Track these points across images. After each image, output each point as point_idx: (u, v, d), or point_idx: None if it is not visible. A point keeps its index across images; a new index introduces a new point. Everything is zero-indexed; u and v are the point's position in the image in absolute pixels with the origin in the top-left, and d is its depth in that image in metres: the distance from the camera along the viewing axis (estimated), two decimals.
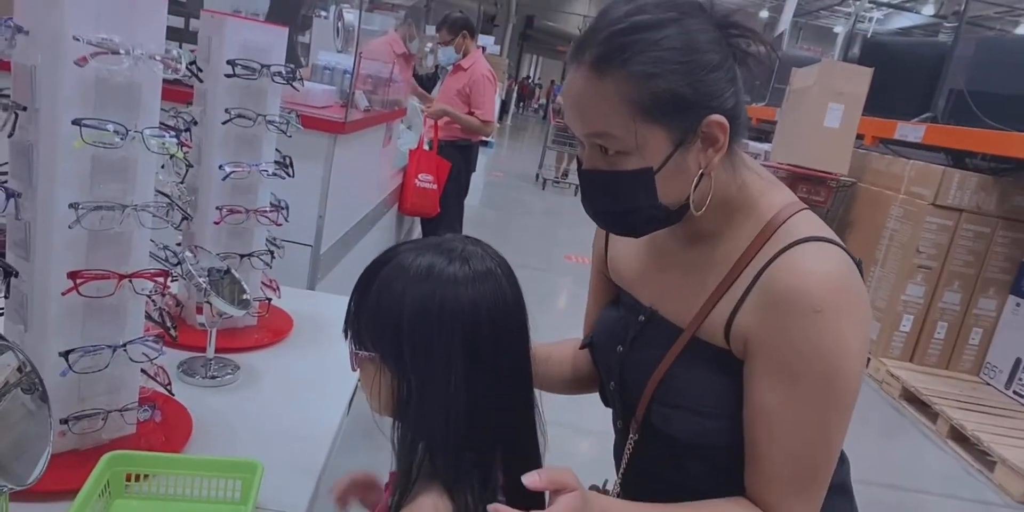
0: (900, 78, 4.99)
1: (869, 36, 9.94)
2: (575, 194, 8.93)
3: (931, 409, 3.71)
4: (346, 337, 0.84)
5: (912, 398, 3.90)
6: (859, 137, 4.85)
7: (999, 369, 4.09)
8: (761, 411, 0.81)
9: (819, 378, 0.79)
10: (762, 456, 0.82)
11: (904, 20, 18.15)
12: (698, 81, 0.78)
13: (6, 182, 0.86)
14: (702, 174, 0.82)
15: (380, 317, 0.78)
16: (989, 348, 4.21)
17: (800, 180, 4.70)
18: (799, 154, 4.64)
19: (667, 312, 0.92)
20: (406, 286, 0.77)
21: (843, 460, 0.94)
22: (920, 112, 4.78)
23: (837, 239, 0.84)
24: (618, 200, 0.84)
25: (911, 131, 4.57)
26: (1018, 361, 3.97)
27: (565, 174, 9.72)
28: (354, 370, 0.83)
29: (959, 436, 3.48)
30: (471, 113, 4.06)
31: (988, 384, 4.12)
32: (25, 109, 0.83)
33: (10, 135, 0.83)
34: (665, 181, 0.81)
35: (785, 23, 14.74)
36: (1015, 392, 3.93)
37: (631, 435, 0.94)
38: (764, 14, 25.88)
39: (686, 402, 0.87)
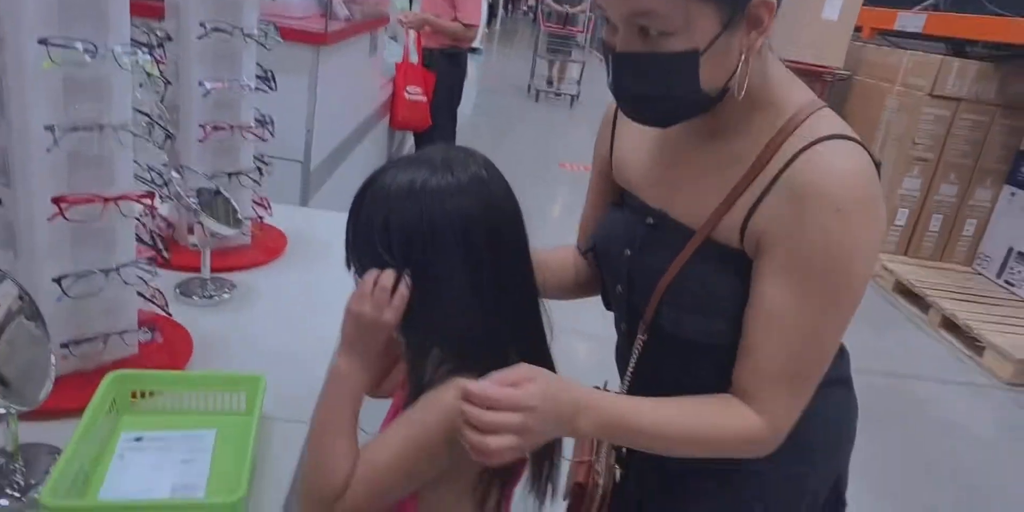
0: None
1: None
2: (570, 106, 8.70)
3: (924, 301, 3.78)
4: (348, 267, 0.84)
5: (905, 291, 3.96)
6: (857, 30, 4.70)
7: (991, 259, 4.14)
8: (764, 306, 0.81)
9: (829, 277, 0.78)
10: (756, 349, 0.82)
11: None
12: None
13: None
14: (742, 59, 0.79)
15: (374, 241, 0.78)
16: (982, 238, 4.24)
17: (797, 74, 4.57)
18: (795, 48, 4.51)
19: (678, 214, 0.90)
20: (391, 206, 0.77)
21: (843, 353, 0.96)
22: (921, 0, 4.61)
23: (859, 138, 0.82)
24: (658, 84, 0.80)
25: (911, 20, 4.43)
26: (1010, 250, 4.01)
27: (552, 83, 9.21)
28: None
29: (950, 325, 3.57)
30: (456, 19, 3.92)
31: (980, 274, 4.18)
32: None
33: None
34: (708, 65, 0.78)
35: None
36: (1006, 281, 3.99)
37: (639, 336, 0.94)
38: None
39: (697, 304, 0.86)
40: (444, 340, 0.82)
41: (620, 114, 1.01)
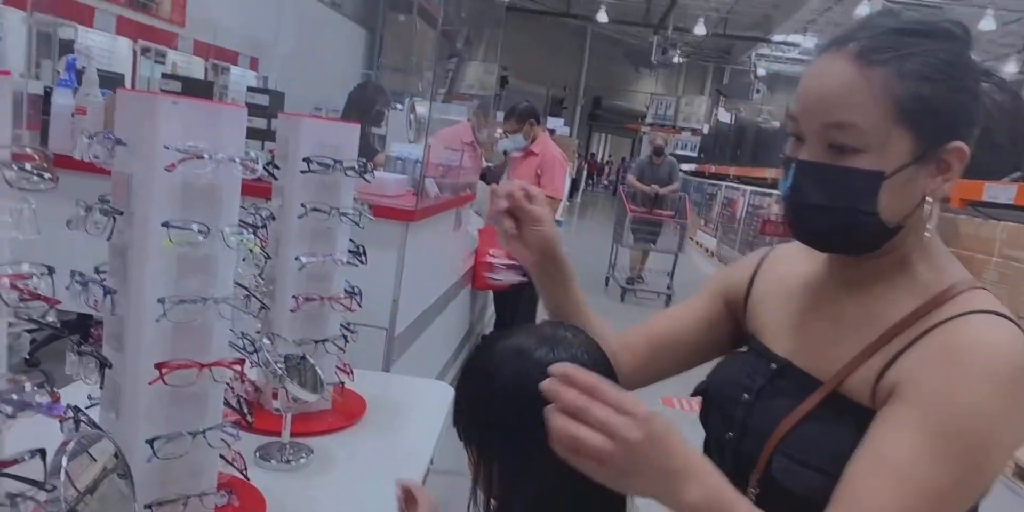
0: (983, 137, 4.84)
1: None
2: (666, 304, 6.72)
3: None
4: (460, 436, 0.85)
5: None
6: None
7: None
8: (884, 453, 0.74)
9: (967, 439, 0.73)
10: (866, 497, 0.73)
11: None
12: (960, 102, 0.79)
13: (105, 280, 0.94)
14: (922, 201, 0.80)
15: (475, 401, 0.82)
16: None
17: None
18: None
19: (804, 363, 0.88)
20: (496, 368, 0.80)
21: None
22: (1009, 171, 4.63)
23: (1015, 319, 0.79)
24: (837, 197, 0.80)
25: (1002, 192, 4.42)
26: None
27: (633, 281, 7.45)
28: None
29: None
30: None
31: None
32: (122, 213, 0.91)
33: (108, 238, 0.91)
34: (888, 192, 0.78)
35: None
36: None
37: (750, 489, 0.87)
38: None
39: (815, 459, 0.81)
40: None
41: (769, 260, 1.03)
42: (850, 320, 0.86)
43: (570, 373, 0.66)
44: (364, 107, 3.66)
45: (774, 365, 0.91)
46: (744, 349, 1.01)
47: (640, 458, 0.65)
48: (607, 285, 7.56)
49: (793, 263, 1.00)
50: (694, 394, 1.02)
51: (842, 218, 0.81)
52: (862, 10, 15.65)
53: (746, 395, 0.92)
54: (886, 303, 0.84)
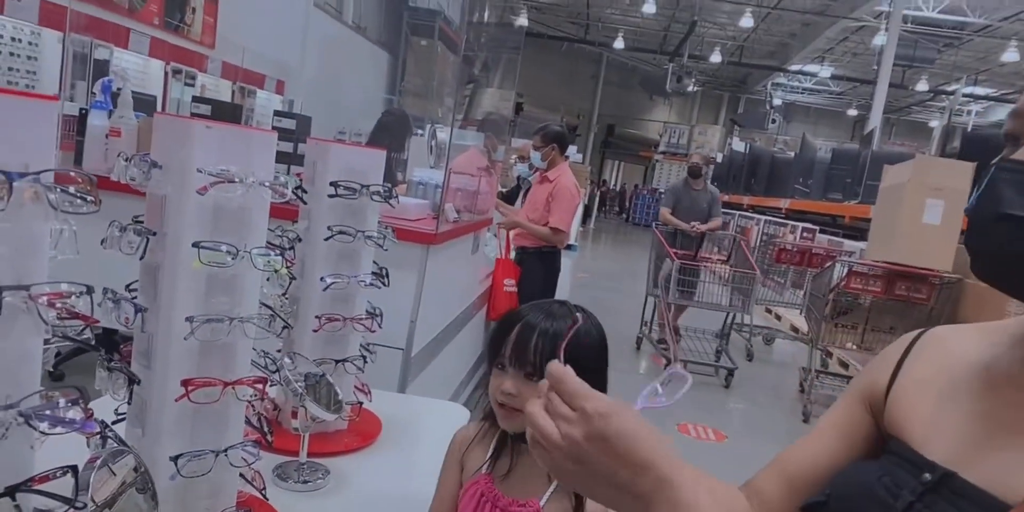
0: None
1: (969, 129, 9.75)
2: (726, 384, 5.08)
3: None
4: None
5: None
6: (964, 233, 4.69)
7: None
8: None
9: None
10: None
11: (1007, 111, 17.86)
12: None
13: (136, 298, 0.96)
14: None
15: None
16: None
17: (898, 277, 4.55)
18: (897, 251, 4.52)
19: (977, 477, 0.62)
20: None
21: None
22: None
23: None
24: None
25: None
26: None
27: (666, 342, 5.43)
28: None
29: None
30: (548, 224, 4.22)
31: None
32: (155, 234, 0.93)
33: (141, 257, 0.93)
34: None
35: (876, 120, 14.72)
36: None
37: None
38: (852, 112, 26.01)
39: None
40: None
41: (923, 341, 0.79)
42: None
43: (551, 367, 0.62)
44: (394, 133, 3.72)
45: (928, 475, 0.65)
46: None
47: (584, 456, 0.60)
48: (639, 348, 5.84)
49: (960, 344, 0.75)
50: (804, 509, 0.75)
51: None
52: (879, 40, 15.73)
53: None
54: None
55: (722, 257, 5.82)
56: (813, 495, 0.75)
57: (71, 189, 0.67)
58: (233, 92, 7.71)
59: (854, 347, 5.00)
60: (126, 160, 0.94)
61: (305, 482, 1.25)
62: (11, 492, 0.61)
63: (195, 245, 0.93)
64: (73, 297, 0.66)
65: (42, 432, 0.61)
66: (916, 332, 0.80)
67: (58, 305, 0.65)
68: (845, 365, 5.34)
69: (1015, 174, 0.62)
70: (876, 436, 0.78)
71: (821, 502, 0.72)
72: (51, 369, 2.90)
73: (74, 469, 0.64)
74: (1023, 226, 0.60)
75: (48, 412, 0.63)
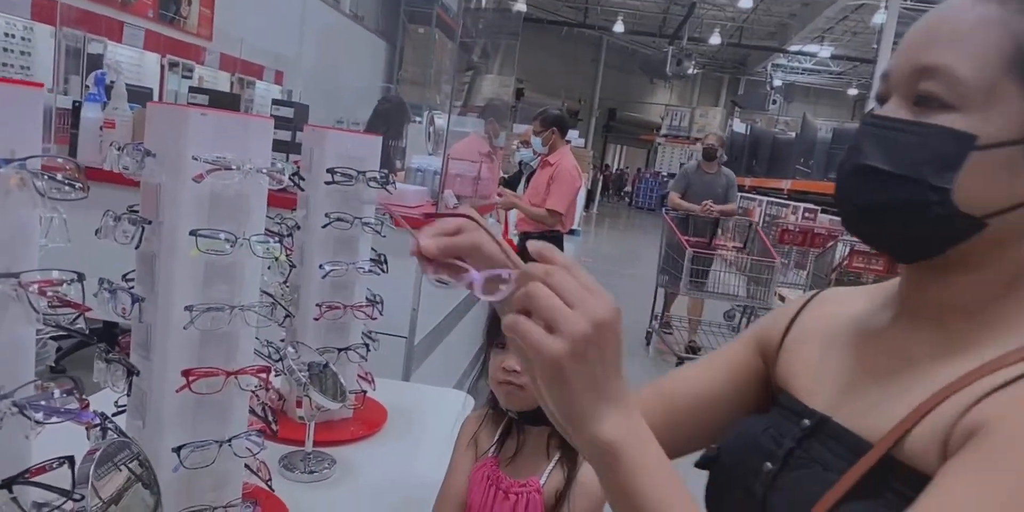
0: None
1: None
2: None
3: None
4: None
5: None
6: None
7: None
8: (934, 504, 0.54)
9: None
10: None
11: None
12: None
13: (132, 288, 0.95)
14: None
15: None
16: None
17: None
18: None
19: (846, 419, 0.67)
20: None
21: None
22: None
23: None
24: (903, 162, 0.61)
25: None
26: None
27: (694, 350, 5.11)
28: None
29: None
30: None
31: None
32: (150, 223, 0.92)
33: (137, 246, 0.92)
34: (977, 171, 0.59)
35: (873, 100, 14.62)
36: None
37: None
38: (853, 91, 25.89)
39: None
40: None
41: (816, 300, 0.83)
42: (919, 362, 0.65)
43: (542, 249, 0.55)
44: (391, 120, 3.70)
45: (807, 421, 0.70)
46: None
47: (589, 351, 0.52)
48: (648, 344, 5.31)
49: (845, 303, 0.79)
50: (700, 465, 0.79)
51: (903, 190, 0.61)
52: (878, 18, 15.60)
53: (769, 464, 0.70)
54: (974, 342, 0.62)
55: (738, 244, 5.42)
56: (686, 431, 0.81)
57: (58, 176, 0.65)
58: (232, 84, 7.68)
59: None
60: (119, 149, 0.93)
61: (311, 472, 1.24)
62: (8, 484, 0.60)
63: (192, 233, 0.92)
64: (64, 285, 0.65)
65: (36, 422, 0.60)
66: (812, 292, 0.85)
67: (49, 293, 0.64)
68: None
69: (875, 128, 0.64)
70: (762, 384, 0.82)
71: (712, 458, 0.76)
72: (52, 364, 2.90)
73: (70, 460, 0.63)
74: (880, 177, 0.62)
75: (42, 402, 0.62)
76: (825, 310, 0.79)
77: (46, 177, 0.65)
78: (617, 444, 0.54)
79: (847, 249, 4.81)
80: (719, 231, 5.35)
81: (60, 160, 0.68)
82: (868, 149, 0.63)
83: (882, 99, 0.66)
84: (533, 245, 0.55)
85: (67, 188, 0.65)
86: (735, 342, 0.86)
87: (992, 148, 0.59)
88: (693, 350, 5.16)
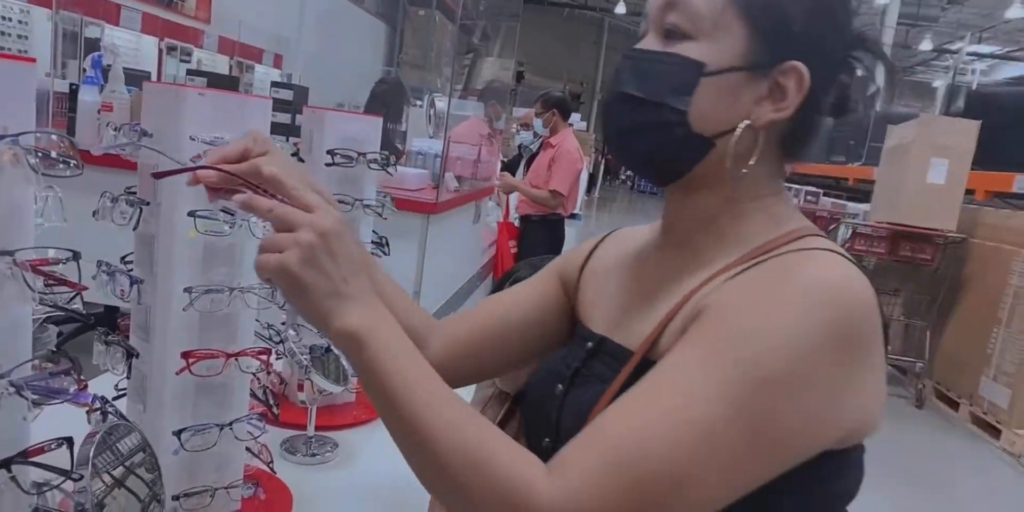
0: (1015, 129, 4.76)
1: (974, 88, 9.62)
2: None
3: None
4: None
5: None
6: (969, 192, 4.64)
7: None
8: (648, 383, 0.62)
9: (753, 379, 0.57)
10: (603, 415, 0.62)
11: (1015, 70, 17.50)
12: (817, 22, 0.69)
13: (131, 270, 0.94)
14: (746, 127, 0.69)
15: None
16: None
17: (902, 238, 4.52)
18: (901, 212, 4.48)
19: (620, 336, 0.76)
20: None
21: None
22: None
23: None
24: (650, 88, 0.69)
25: None
26: None
27: None
28: None
29: None
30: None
31: None
32: (148, 204, 0.91)
33: (135, 228, 0.91)
34: (707, 95, 0.68)
35: (879, 80, 14.52)
36: None
37: None
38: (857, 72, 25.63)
39: None
40: None
41: (610, 237, 0.93)
42: (676, 279, 0.74)
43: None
44: (389, 102, 3.68)
45: (590, 344, 0.78)
46: None
47: (317, 255, 0.63)
48: None
49: (633, 238, 0.89)
50: (514, 403, 0.87)
51: (650, 113, 0.70)
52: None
53: (560, 386, 0.78)
54: (712, 254, 0.73)
55: None
56: (491, 354, 0.91)
57: (52, 153, 0.64)
58: (231, 67, 7.62)
59: None
60: (115, 129, 0.91)
61: (313, 455, 1.23)
62: (6, 464, 0.59)
63: (191, 214, 0.90)
64: (60, 263, 0.64)
65: (34, 402, 0.59)
66: (607, 232, 0.94)
67: (45, 271, 0.63)
68: None
69: (631, 60, 0.72)
70: (568, 316, 0.90)
71: (523, 392, 0.87)
72: (54, 348, 2.89)
73: (69, 441, 0.63)
74: (633, 102, 0.70)
75: (40, 382, 0.61)
76: (616, 246, 0.89)
77: (40, 154, 0.64)
78: (362, 330, 0.63)
79: (849, 231, 4.80)
80: None
81: (54, 137, 0.66)
82: (625, 78, 0.71)
83: (643, 35, 0.74)
84: (240, 197, 0.67)
85: (61, 166, 0.64)
86: (541, 272, 0.95)
87: (717, 74, 0.68)
88: None
